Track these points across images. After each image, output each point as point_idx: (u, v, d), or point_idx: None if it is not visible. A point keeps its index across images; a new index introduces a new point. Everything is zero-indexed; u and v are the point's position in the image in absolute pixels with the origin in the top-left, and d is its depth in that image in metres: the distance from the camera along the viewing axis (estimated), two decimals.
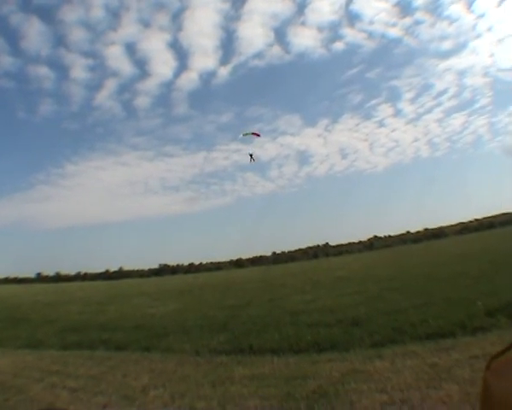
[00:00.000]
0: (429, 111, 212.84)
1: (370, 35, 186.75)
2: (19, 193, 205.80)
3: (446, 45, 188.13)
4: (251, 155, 21.96)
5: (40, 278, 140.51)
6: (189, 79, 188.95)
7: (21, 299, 45.07)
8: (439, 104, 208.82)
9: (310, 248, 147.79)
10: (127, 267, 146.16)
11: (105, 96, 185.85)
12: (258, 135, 21.62)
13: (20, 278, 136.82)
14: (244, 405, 7.62)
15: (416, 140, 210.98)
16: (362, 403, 6.98)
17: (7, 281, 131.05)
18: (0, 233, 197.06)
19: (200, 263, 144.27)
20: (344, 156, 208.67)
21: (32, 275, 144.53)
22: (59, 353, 14.25)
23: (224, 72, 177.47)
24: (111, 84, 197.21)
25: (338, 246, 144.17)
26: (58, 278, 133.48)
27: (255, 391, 8.34)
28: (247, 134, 21.15)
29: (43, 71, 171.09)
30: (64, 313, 27.01)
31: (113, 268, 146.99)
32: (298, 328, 13.75)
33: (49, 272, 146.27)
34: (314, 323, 14.24)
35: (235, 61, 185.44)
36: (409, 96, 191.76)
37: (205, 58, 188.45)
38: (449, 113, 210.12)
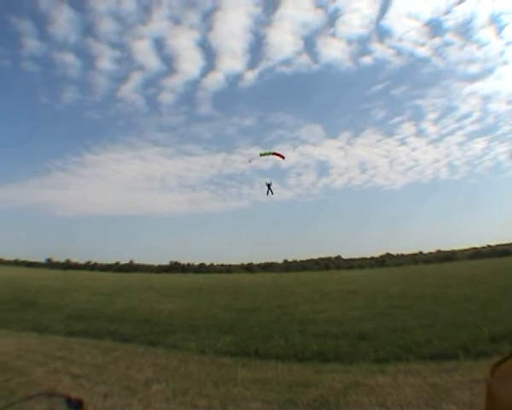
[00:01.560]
0: (451, 133, 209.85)
1: (399, 52, 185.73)
2: (35, 178, 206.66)
3: (473, 69, 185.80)
4: (269, 186, 18.50)
5: (50, 264, 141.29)
6: (215, 80, 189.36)
7: (30, 283, 45.60)
8: (461, 127, 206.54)
9: (321, 259, 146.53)
10: (137, 261, 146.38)
11: (129, 89, 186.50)
12: (283, 157, 18.06)
13: (29, 261, 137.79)
14: (246, 407, 7.77)
15: (436, 161, 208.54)
16: None
17: (16, 263, 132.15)
18: (13, 216, 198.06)
19: (211, 264, 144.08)
20: (363, 171, 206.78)
21: (41, 260, 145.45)
22: (64, 339, 14.47)
23: (250, 75, 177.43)
24: (136, 78, 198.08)
25: (350, 260, 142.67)
26: (67, 266, 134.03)
27: (257, 395, 8.49)
28: (265, 154, 17.64)
29: (70, 58, 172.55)
30: (72, 300, 27.37)
31: (124, 261, 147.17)
32: (304, 337, 13.86)
33: (60, 258, 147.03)
34: (321, 333, 14.32)
35: (262, 65, 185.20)
36: (432, 116, 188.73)
37: (232, 60, 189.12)
38: (471, 137, 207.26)
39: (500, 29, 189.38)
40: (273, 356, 11.67)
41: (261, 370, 10.41)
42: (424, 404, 7.41)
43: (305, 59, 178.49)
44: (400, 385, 8.65)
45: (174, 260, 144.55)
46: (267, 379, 9.58)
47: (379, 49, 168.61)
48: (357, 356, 11.19)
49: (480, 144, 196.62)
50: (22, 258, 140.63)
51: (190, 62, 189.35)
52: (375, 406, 7.54)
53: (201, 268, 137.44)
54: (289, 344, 12.81)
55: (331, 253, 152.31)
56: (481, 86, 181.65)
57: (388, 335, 13.48)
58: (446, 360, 10.29)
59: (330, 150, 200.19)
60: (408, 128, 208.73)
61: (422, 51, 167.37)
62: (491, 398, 1.62)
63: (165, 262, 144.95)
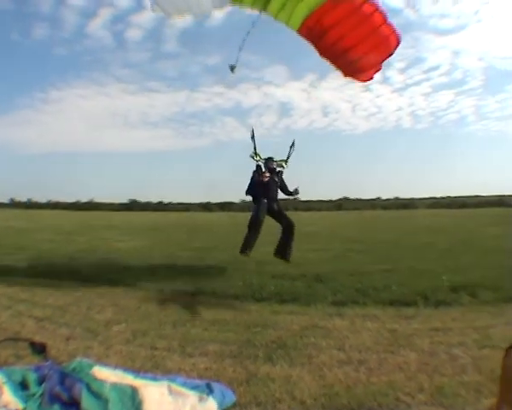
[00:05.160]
0: (417, 84, 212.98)
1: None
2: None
3: (445, 24, 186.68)
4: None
5: (13, 204, 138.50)
6: (184, 17, 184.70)
7: None
8: (428, 79, 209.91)
9: (280, 200, 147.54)
10: (98, 199, 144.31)
11: (98, 25, 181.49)
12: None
13: None
14: (204, 348, 7.64)
15: (399, 109, 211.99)
16: (320, 358, 7.08)
17: None
18: None
19: (170, 202, 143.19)
20: (325, 114, 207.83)
21: (5, 200, 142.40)
22: (28, 280, 13.83)
23: (218, 14, 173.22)
24: (105, 14, 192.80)
25: (307, 202, 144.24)
26: (30, 205, 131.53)
27: (216, 336, 8.40)
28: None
29: None
30: (34, 241, 26.51)
31: (85, 199, 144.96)
32: (262, 277, 13.77)
33: (22, 198, 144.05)
34: (278, 274, 14.28)
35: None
36: (399, 65, 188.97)
37: None
38: (437, 89, 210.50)
39: None
40: (231, 297, 11.57)
41: (219, 311, 10.30)
42: (383, 350, 7.47)
43: None
44: (358, 329, 8.71)
45: (133, 198, 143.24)
46: (225, 320, 9.49)
47: None
48: (314, 298, 11.18)
49: (446, 97, 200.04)
50: None
51: None
52: (333, 349, 7.55)
53: (160, 206, 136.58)
54: (247, 284, 12.70)
55: None
56: (452, 41, 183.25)
57: (346, 278, 13.58)
58: (405, 306, 10.41)
59: (293, 92, 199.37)
60: None
61: (395, 3, 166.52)
62: (507, 374, 1.55)
63: (125, 200, 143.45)
